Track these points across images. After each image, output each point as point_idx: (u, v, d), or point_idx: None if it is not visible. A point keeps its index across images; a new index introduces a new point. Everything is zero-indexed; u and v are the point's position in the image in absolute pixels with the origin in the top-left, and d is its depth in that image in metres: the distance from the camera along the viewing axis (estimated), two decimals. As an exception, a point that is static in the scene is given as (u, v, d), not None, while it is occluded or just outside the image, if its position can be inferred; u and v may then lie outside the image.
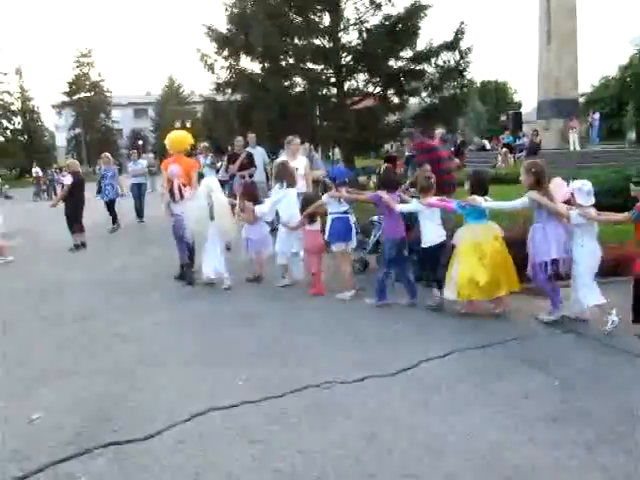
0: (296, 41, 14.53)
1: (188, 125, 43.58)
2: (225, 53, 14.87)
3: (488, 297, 5.35)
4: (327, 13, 14.78)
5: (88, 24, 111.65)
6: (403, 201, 5.98)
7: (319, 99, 15.08)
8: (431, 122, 15.16)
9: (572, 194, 4.93)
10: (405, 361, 4.29)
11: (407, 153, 7.56)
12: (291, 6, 14.38)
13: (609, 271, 5.70)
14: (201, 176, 10.77)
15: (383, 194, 5.87)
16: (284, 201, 6.84)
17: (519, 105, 56.91)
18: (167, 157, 8.18)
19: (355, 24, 14.87)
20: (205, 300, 6.47)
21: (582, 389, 3.76)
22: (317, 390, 3.88)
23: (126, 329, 5.52)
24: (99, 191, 13.02)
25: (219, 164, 12.75)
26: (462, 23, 14.25)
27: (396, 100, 15.72)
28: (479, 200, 5.31)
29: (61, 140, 63.74)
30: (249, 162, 10.58)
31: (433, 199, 5.64)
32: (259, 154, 11.11)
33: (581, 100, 33.98)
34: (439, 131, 10.30)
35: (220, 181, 8.20)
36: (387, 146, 20.73)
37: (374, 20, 14.71)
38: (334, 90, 15.36)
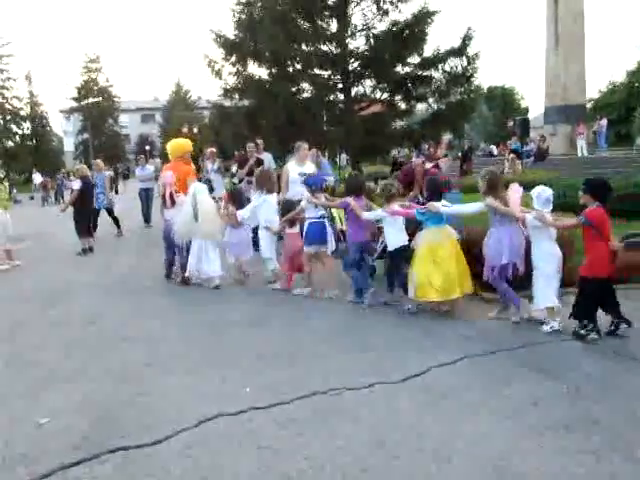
0: (303, 47, 14.59)
1: (195, 130, 43.82)
2: (233, 59, 14.94)
3: (443, 298, 5.57)
4: (334, 19, 14.85)
5: (96, 30, 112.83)
6: (370, 207, 6.30)
7: (326, 105, 15.13)
8: (438, 128, 15.21)
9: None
10: (413, 368, 4.28)
11: (414, 159, 7.64)
12: (299, 12, 14.45)
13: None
14: (208, 182, 10.91)
15: (350, 201, 6.14)
16: (264, 206, 7.13)
17: (526, 111, 56.78)
18: (168, 163, 8.47)
19: (362, 30, 14.93)
20: (213, 305, 6.48)
21: (591, 396, 3.74)
22: (325, 396, 3.87)
23: (134, 333, 5.53)
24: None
25: (233, 169, 12.61)
26: (469, 29, 14.29)
27: (403, 106, 15.75)
28: (437, 206, 5.59)
29: (69, 145, 64.22)
30: (258, 167, 10.57)
31: (396, 207, 5.94)
32: (266, 160, 11.13)
33: (588, 106, 33.89)
34: (446, 137, 10.33)
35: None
36: (394, 152, 20.73)
37: (381, 26, 14.78)
38: (341, 96, 15.41)
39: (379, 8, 14.62)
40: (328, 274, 6.79)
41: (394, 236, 5.99)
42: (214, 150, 13.74)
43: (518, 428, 3.35)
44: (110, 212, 12.92)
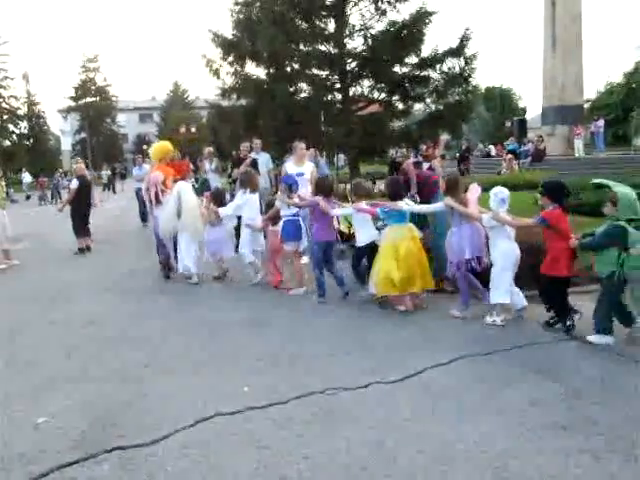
0: (301, 47, 14.58)
1: (193, 130, 43.73)
2: (231, 59, 14.93)
3: (401, 292, 5.80)
4: (332, 19, 14.84)
5: (94, 29, 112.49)
6: (339, 207, 6.67)
7: (324, 105, 15.11)
8: (436, 128, 15.21)
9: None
10: (412, 368, 4.28)
11: (412, 159, 7.65)
12: (297, 12, 14.44)
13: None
14: (205, 181, 10.90)
15: (320, 200, 6.39)
16: (247, 205, 7.37)
17: (524, 111, 56.86)
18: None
19: (360, 30, 14.92)
20: (212, 306, 6.48)
21: (589, 397, 3.74)
22: (324, 397, 3.87)
23: (133, 333, 5.53)
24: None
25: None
26: (467, 29, 14.29)
27: (401, 106, 15.74)
28: (400, 205, 5.93)
29: (66, 144, 64.06)
30: (253, 168, 10.55)
31: (363, 205, 6.25)
32: (264, 160, 11.11)
33: (586, 107, 33.95)
34: (444, 137, 10.32)
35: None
36: (392, 152, 20.75)
37: (379, 26, 14.77)
38: (339, 96, 15.40)
39: (377, 8, 14.62)
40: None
41: (362, 233, 6.36)
42: (212, 150, 13.71)
43: (517, 428, 3.35)
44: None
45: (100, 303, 6.79)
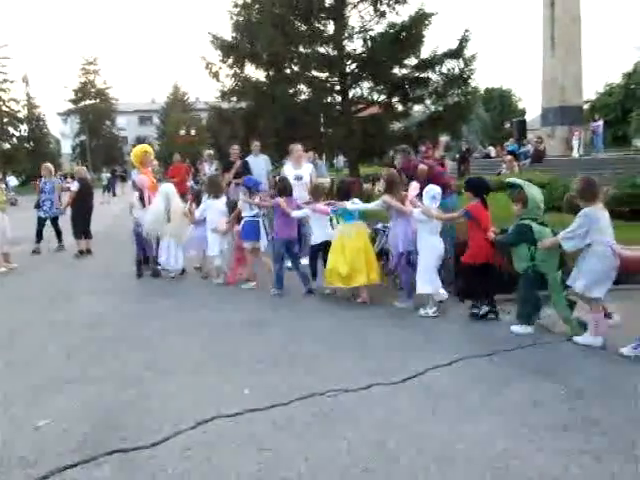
0: (301, 49, 14.58)
1: (193, 132, 43.77)
2: (230, 61, 14.91)
3: (346, 285, 6.29)
4: (332, 21, 14.83)
5: (94, 32, 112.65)
6: (299, 207, 7.09)
7: (324, 107, 15.11)
8: (436, 130, 15.21)
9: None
10: (412, 369, 4.28)
11: (398, 167, 7.58)
12: (296, 14, 14.43)
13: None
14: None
15: (281, 201, 6.88)
16: (210, 210, 7.72)
17: (523, 112, 56.92)
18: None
19: (360, 32, 14.91)
20: (212, 307, 6.48)
21: (590, 397, 3.74)
22: (324, 398, 3.87)
23: (133, 335, 5.53)
24: (37, 206, 11.40)
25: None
26: (466, 31, 14.28)
27: (401, 108, 15.73)
28: (347, 204, 6.42)
29: (66, 147, 64.08)
30: (244, 171, 10.48)
31: (318, 206, 6.73)
32: (263, 162, 11.09)
33: (585, 107, 33.97)
34: (444, 139, 10.34)
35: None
36: (392, 153, 20.74)
37: (379, 28, 14.74)
38: (339, 98, 15.40)
39: (376, 10, 14.61)
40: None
41: (317, 232, 6.93)
42: (211, 152, 13.74)
43: (518, 429, 3.34)
44: (55, 222, 11.46)
45: (100, 304, 6.79)
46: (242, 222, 7.34)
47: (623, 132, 43.07)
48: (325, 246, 6.71)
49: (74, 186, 10.88)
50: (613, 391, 3.84)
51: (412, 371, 4.24)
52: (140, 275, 8.35)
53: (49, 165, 11.84)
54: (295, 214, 6.90)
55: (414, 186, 6.08)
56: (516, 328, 5.13)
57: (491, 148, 31.65)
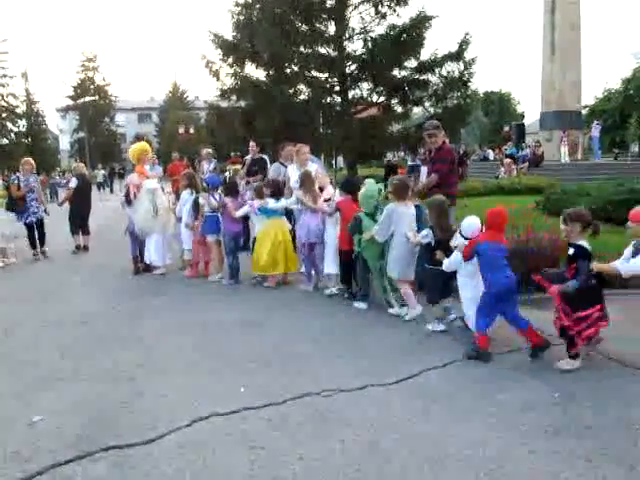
0: (301, 49, 14.61)
1: (191, 131, 43.71)
2: (230, 60, 14.95)
3: (264, 273, 7.20)
4: (332, 22, 14.87)
5: (94, 29, 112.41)
6: (242, 205, 7.59)
7: (323, 107, 15.14)
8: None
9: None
10: (405, 370, 4.29)
11: (409, 163, 7.68)
12: (297, 14, 14.46)
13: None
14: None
15: (228, 201, 7.51)
16: (185, 206, 8.12)
17: (522, 116, 57.06)
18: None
19: (360, 33, 14.96)
20: (206, 306, 6.48)
21: (582, 401, 3.75)
22: (318, 398, 3.88)
23: (128, 333, 5.53)
24: (12, 209, 10.02)
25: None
26: (467, 34, 14.35)
27: (400, 109, 15.79)
28: (270, 202, 7.17)
29: (65, 143, 63.99)
30: (260, 168, 10.40)
31: (255, 203, 7.29)
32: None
33: (584, 112, 34.05)
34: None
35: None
36: (389, 155, 20.77)
37: (379, 30, 14.81)
38: (338, 98, 15.43)
39: (377, 12, 14.66)
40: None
41: (258, 226, 7.47)
42: (210, 151, 13.72)
43: (510, 432, 3.36)
44: (40, 225, 10.31)
45: (93, 303, 6.78)
46: (203, 218, 7.86)
47: (622, 137, 43.22)
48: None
49: (73, 182, 10.86)
50: (605, 395, 3.84)
51: (406, 372, 4.25)
52: (137, 272, 8.40)
53: (30, 160, 10.46)
54: (238, 213, 7.46)
55: (326, 182, 7.27)
56: (356, 304, 6.18)
57: (489, 151, 31.72)
